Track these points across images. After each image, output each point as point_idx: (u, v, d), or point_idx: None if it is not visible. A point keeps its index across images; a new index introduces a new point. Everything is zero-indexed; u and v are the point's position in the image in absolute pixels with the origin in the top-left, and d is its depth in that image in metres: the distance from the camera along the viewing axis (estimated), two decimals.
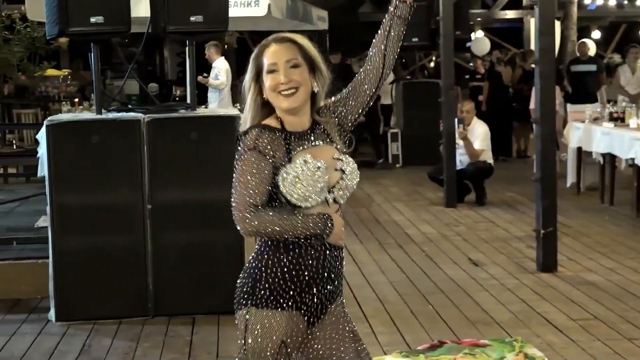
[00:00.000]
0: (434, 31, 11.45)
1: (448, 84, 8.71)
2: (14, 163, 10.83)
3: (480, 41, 17.07)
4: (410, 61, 15.58)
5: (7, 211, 8.33)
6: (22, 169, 10.70)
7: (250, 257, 2.57)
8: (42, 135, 5.79)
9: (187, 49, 6.13)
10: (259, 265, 2.48)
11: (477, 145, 8.61)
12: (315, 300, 2.51)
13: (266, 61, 2.47)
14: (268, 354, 2.46)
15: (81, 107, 10.02)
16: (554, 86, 6.54)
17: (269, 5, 9.53)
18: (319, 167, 2.44)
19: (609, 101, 10.15)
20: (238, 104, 12.27)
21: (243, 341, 2.53)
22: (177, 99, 11.93)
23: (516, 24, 18.45)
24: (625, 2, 18.03)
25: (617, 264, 6.80)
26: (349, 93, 2.57)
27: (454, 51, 9.51)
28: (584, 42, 12.31)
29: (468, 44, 17.39)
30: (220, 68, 11.85)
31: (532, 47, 12.81)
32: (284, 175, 2.43)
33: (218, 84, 11.55)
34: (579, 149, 9.36)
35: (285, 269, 2.45)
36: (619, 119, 8.80)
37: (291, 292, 2.44)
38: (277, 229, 2.35)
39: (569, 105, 11.08)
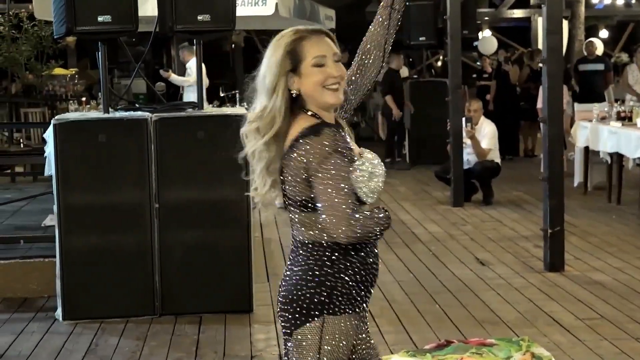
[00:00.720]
0: (442, 30, 11.51)
1: (455, 83, 8.74)
2: (21, 162, 10.86)
3: (487, 40, 17.13)
4: (418, 60, 15.61)
5: (14, 210, 8.38)
6: (30, 168, 10.75)
7: (301, 267, 2.43)
8: (49, 134, 5.82)
9: (194, 48, 6.06)
10: (330, 271, 2.38)
11: (484, 145, 8.62)
12: (370, 297, 2.51)
13: (310, 54, 2.36)
14: (345, 357, 2.43)
15: (88, 106, 9.98)
16: (561, 85, 6.56)
17: (277, 4, 9.54)
18: (379, 161, 2.42)
19: (616, 100, 10.18)
20: (245, 103, 12.30)
21: (317, 351, 2.43)
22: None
23: (524, 23, 18.44)
24: (633, 1, 17.98)
25: (625, 264, 6.79)
26: (350, 90, 2.56)
27: (461, 50, 9.52)
28: (591, 42, 12.32)
29: (475, 43, 17.39)
30: (193, 68, 11.59)
31: (540, 46, 12.84)
32: (359, 172, 2.36)
33: (182, 81, 11.38)
34: (586, 149, 9.39)
35: (357, 271, 2.38)
36: (626, 118, 8.83)
37: (362, 293, 2.39)
38: (377, 229, 2.28)
39: (576, 105, 11.09)
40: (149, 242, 5.65)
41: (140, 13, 5.84)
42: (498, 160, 8.76)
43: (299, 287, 2.29)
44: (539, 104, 10.26)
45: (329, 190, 2.23)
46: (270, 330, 5.43)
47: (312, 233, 2.36)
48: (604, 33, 18.52)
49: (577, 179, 10.00)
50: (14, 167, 11.21)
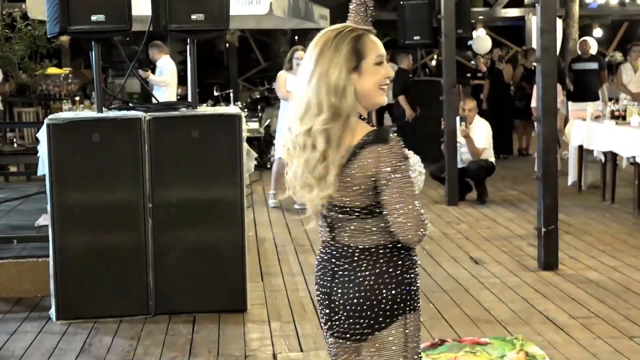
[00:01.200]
0: (436, 29, 11.57)
1: (450, 83, 8.78)
2: (14, 161, 10.78)
3: (481, 39, 17.32)
4: (412, 59, 15.81)
5: (8, 209, 8.34)
6: (23, 167, 10.75)
7: (372, 271, 2.41)
8: (42, 134, 5.76)
9: (187, 47, 6.10)
10: (404, 269, 2.41)
11: (479, 144, 8.65)
12: None
13: (373, 52, 2.35)
14: (420, 351, 2.49)
15: (82, 105, 9.97)
16: (555, 84, 6.58)
17: (271, 4, 9.48)
18: (419, 161, 2.47)
19: (610, 99, 10.23)
20: (239, 103, 12.24)
21: (404, 349, 2.44)
22: (178, 97, 12.00)
23: (518, 22, 18.61)
24: (627, 0, 18.10)
25: (619, 262, 6.80)
26: None
27: (455, 49, 9.56)
28: (585, 41, 12.36)
29: (470, 42, 17.54)
30: (164, 66, 11.69)
31: (534, 45, 12.86)
32: (414, 174, 2.42)
33: (159, 81, 11.41)
34: (580, 147, 9.43)
35: (415, 267, 2.43)
36: (620, 117, 8.88)
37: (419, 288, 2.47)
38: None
39: (570, 104, 11.18)
40: (143, 241, 5.62)
41: (134, 12, 5.81)
42: (492, 159, 8.81)
43: (377, 290, 2.28)
44: (533, 103, 10.34)
45: (406, 196, 2.24)
46: (264, 330, 5.41)
47: (374, 238, 2.34)
48: (598, 32, 18.70)
49: (571, 177, 10.05)
50: (7, 166, 11.18)
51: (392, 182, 2.21)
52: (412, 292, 2.42)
